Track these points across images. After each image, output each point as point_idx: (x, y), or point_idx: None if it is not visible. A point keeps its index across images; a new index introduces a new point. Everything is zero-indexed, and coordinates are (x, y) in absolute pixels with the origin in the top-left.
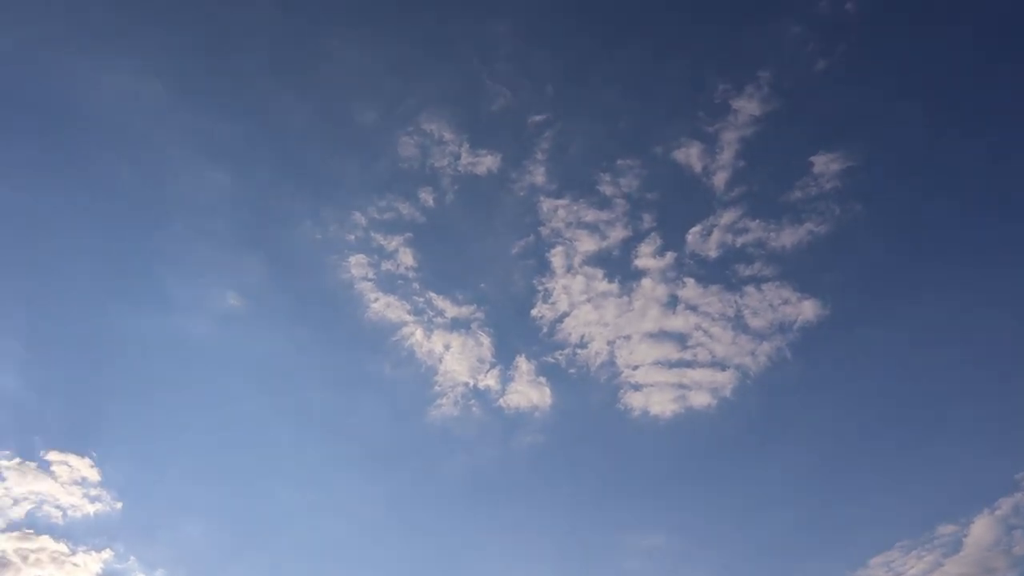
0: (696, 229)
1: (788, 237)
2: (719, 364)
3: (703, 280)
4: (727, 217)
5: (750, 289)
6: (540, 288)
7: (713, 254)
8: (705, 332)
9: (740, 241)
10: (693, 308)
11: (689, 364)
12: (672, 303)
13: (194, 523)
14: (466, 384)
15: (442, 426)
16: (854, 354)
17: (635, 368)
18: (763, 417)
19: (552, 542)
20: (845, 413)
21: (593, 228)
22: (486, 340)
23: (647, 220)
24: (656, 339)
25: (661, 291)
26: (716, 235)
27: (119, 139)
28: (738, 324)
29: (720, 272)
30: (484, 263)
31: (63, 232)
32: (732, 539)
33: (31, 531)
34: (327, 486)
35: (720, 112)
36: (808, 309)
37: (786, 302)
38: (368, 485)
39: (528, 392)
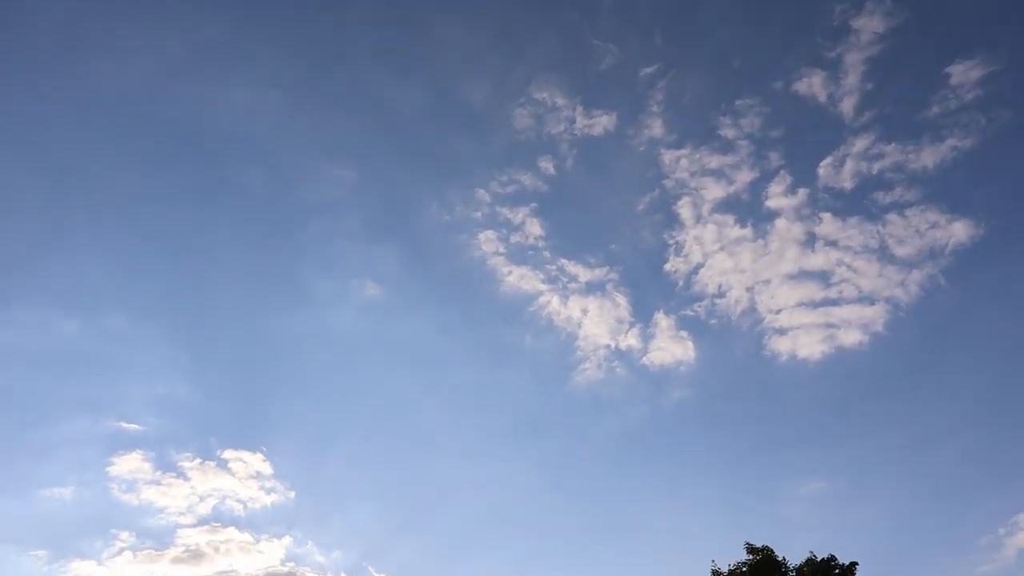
0: (827, 161)
1: (929, 156)
2: (867, 299)
3: (840, 213)
4: (859, 144)
5: (892, 216)
6: (671, 242)
7: (848, 185)
8: (848, 267)
9: (876, 167)
10: (833, 243)
11: (835, 302)
12: (810, 241)
13: (361, 505)
14: (607, 346)
15: (588, 389)
16: (1018, 271)
17: (778, 312)
18: (921, 349)
19: (710, 495)
20: (1013, 334)
21: (719, 174)
22: (622, 300)
23: (774, 159)
24: (797, 280)
25: (797, 230)
26: (849, 164)
27: (248, 151)
28: (883, 255)
29: (858, 202)
30: (611, 223)
31: (209, 245)
32: (898, 479)
33: (218, 524)
34: (482, 458)
35: (840, 34)
36: (960, 230)
37: (934, 225)
38: (522, 454)
39: (671, 347)
